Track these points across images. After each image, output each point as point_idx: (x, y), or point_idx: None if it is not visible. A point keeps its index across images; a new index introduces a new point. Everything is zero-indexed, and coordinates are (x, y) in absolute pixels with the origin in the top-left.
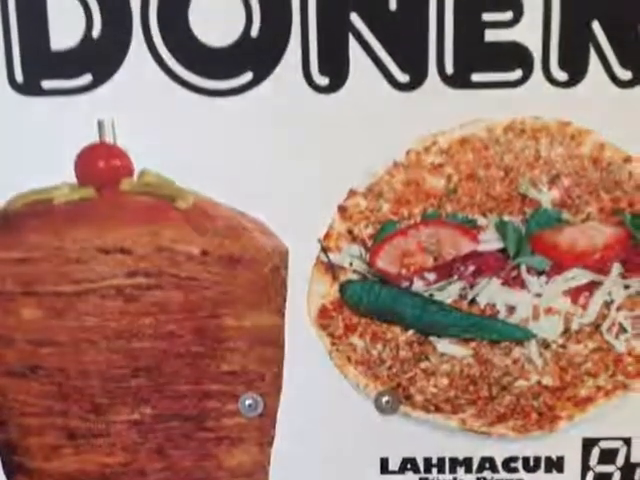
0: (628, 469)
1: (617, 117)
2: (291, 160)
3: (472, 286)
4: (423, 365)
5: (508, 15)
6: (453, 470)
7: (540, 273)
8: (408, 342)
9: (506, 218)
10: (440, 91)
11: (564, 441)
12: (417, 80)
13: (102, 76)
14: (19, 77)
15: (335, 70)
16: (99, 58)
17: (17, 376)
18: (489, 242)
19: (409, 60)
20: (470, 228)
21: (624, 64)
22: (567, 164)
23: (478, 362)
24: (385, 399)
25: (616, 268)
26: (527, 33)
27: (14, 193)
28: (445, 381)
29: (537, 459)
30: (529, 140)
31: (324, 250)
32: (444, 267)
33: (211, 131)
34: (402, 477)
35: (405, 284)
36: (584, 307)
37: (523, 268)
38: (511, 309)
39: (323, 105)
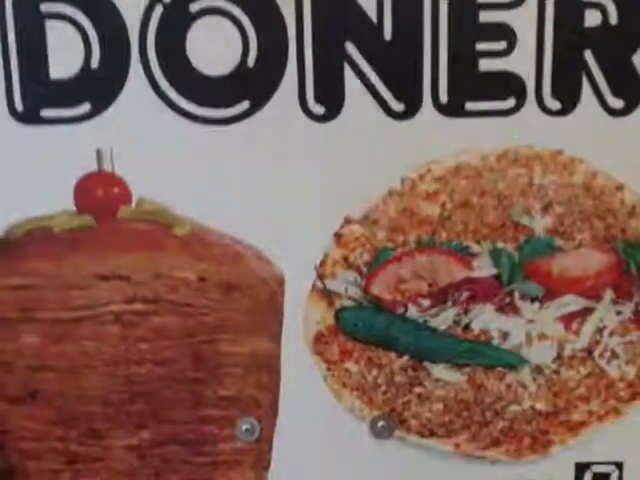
0: None
1: (609, 145)
2: (287, 188)
3: (466, 312)
4: (418, 390)
5: (502, 45)
6: None
7: (533, 299)
8: (403, 367)
9: (500, 245)
10: (434, 120)
11: (557, 465)
12: (412, 109)
13: (101, 105)
14: (19, 106)
15: (331, 99)
16: (98, 87)
17: (16, 401)
18: (483, 269)
19: (404, 89)
20: (464, 255)
21: (616, 93)
22: (560, 192)
23: (472, 387)
24: (380, 424)
25: (608, 294)
26: (520, 62)
27: (14, 221)
28: (439, 406)
29: None
30: (522, 168)
31: (320, 277)
32: (438, 293)
33: (208, 159)
34: None
35: (400, 310)
36: (577, 333)
37: (516, 294)
38: (505, 335)
39: (319, 133)
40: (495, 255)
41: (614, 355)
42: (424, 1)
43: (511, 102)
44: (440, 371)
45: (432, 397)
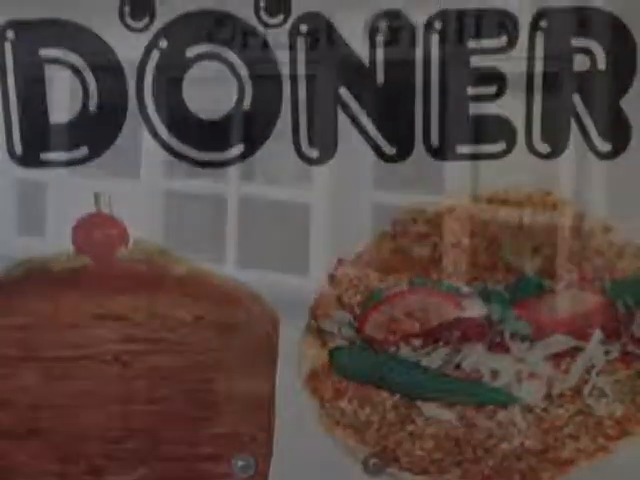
0: None
1: (598, 188)
2: (281, 229)
3: (457, 351)
4: (409, 428)
5: (492, 89)
6: None
7: (523, 339)
8: (395, 406)
9: (490, 285)
10: (426, 163)
11: None
12: (404, 152)
13: (99, 148)
14: (18, 149)
15: (324, 143)
16: (96, 131)
17: (16, 438)
18: (473, 309)
19: (396, 133)
20: (455, 295)
21: (604, 137)
22: (549, 233)
23: (463, 425)
24: (373, 461)
25: (597, 334)
26: (510, 106)
27: (14, 261)
28: (431, 443)
29: None
30: (512, 210)
31: (314, 317)
32: (430, 333)
33: (204, 201)
34: None
35: (392, 349)
36: (566, 372)
37: (506, 334)
38: (495, 374)
39: (312, 176)
40: (485, 295)
41: (602, 394)
42: (416, 46)
43: (501, 145)
44: (431, 409)
45: (424, 435)
